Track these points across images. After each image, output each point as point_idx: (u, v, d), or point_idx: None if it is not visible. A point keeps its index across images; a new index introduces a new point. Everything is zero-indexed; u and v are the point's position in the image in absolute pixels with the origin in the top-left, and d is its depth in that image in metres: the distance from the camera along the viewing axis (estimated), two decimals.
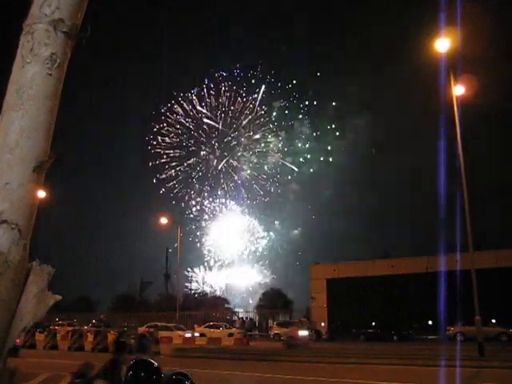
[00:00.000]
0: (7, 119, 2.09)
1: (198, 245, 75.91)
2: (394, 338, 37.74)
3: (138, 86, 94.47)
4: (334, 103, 74.21)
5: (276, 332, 42.42)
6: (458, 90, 22.08)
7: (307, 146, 75.25)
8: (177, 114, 75.03)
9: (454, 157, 22.33)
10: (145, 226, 78.98)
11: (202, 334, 38.22)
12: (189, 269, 74.94)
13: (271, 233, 75.79)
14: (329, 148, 74.18)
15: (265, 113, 74.48)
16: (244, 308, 63.80)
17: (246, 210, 75.76)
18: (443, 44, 21.04)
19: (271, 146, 74.77)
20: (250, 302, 70.68)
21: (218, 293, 75.18)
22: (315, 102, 74.59)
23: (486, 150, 61.63)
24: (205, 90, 74.99)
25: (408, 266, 46.38)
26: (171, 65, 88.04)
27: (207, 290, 75.62)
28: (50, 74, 2.14)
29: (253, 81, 74.70)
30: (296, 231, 75.07)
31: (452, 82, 21.72)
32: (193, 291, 74.39)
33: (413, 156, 68.43)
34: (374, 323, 41.31)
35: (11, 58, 2.18)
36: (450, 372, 15.54)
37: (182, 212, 75.19)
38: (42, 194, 2.29)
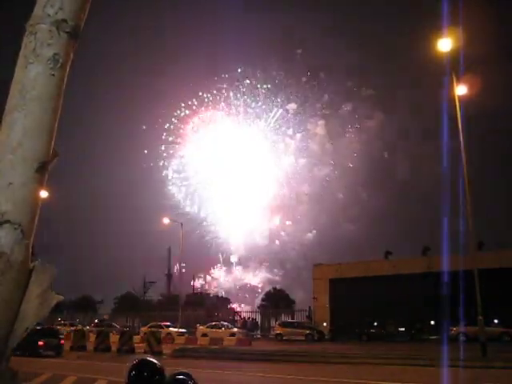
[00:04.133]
0: (10, 119, 2.10)
1: (206, 243, 75.88)
2: (397, 338, 37.69)
3: (138, 86, 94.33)
4: (342, 105, 74.18)
5: (278, 332, 42.45)
6: (461, 89, 22.06)
7: (321, 148, 75.46)
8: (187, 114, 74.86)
9: (457, 156, 22.32)
10: (147, 225, 79.05)
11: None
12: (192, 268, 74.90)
13: (282, 233, 75.65)
14: (341, 150, 74.33)
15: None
16: (250, 307, 63.88)
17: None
18: (445, 44, 21.02)
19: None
20: (256, 301, 70.68)
21: (222, 292, 75.23)
22: (327, 103, 74.76)
23: (489, 150, 61.53)
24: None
25: (410, 266, 46.34)
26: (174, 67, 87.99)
27: (211, 289, 75.63)
28: (53, 75, 2.14)
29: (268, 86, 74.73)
30: (310, 234, 74.85)
31: (454, 82, 21.69)
32: (196, 291, 74.32)
33: (415, 156, 68.38)
34: (376, 323, 41.27)
35: (14, 59, 2.18)
36: (453, 372, 15.52)
37: (184, 212, 75.10)
38: (44, 194, 2.29)
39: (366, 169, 70.76)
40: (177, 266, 72.57)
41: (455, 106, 21.70)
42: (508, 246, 42.29)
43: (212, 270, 76.52)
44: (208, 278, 76.69)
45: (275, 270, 75.93)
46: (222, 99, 75.34)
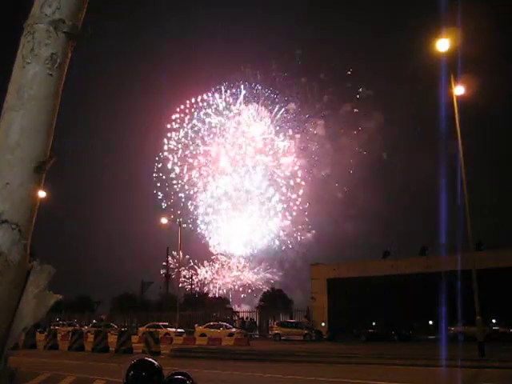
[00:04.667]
0: (8, 119, 2.09)
1: (204, 242, 75.84)
2: (395, 338, 37.74)
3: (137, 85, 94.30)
4: (342, 106, 74.28)
5: (276, 332, 42.45)
6: (459, 90, 22.10)
7: (320, 148, 75.54)
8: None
9: (455, 156, 22.37)
10: (146, 226, 79.00)
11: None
12: (191, 266, 74.85)
13: (282, 233, 75.57)
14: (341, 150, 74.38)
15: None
16: (248, 307, 63.80)
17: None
18: (443, 44, 21.06)
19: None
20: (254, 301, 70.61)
21: (221, 292, 75.16)
22: (327, 104, 74.96)
23: (487, 150, 61.64)
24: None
25: (408, 265, 46.40)
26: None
27: (209, 289, 75.54)
28: (51, 75, 2.14)
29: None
30: (309, 234, 74.78)
31: (452, 83, 21.73)
32: (194, 291, 74.21)
33: (414, 156, 68.45)
34: (374, 323, 41.32)
35: (12, 59, 2.18)
36: (451, 372, 15.55)
37: (184, 211, 75.10)
38: (42, 194, 2.29)
39: (365, 169, 70.91)
40: (172, 262, 72.59)
41: (453, 106, 21.75)
42: (506, 246, 42.37)
43: (210, 270, 76.46)
44: (206, 277, 76.59)
45: (274, 270, 75.95)
46: (222, 100, 75.46)
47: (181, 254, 58.85)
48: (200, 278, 76.37)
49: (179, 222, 50.67)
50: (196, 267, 75.45)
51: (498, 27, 56.72)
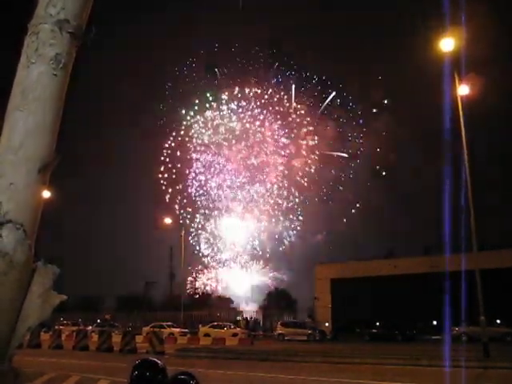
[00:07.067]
0: (12, 120, 2.09)
1: (206, 241, 75.78)
2: (399, 338, 37.63)
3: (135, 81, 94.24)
4: (347, 107, 74.08)
5: (280, 332, 42.39)
6: (463, 89, 22.03)
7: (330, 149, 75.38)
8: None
9: (458, 156, 22.30)
10: (149, 225, 79.00)
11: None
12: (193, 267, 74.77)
13: (291, 233, 75.37)
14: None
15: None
16: (253, 307, 63.72)
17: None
18: (447, 44, 21.00)
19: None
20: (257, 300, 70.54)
21: (223, 292, 75.04)
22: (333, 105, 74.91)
23: (490, 150, 61.44)
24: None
25: (411, 266, 46.30)
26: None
27: (213, 289, 75.44)
28: (55, 75, 2.14)
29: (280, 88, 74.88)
30: (317, 235, 74.61)
31: (456, 82, 21.67)
32: (198, 291, 74.20)
33: (417, 156, 68.32)
34: (378, 323, 41.21)
35: (16, 59, 2.18)
36: (455, 373, 15.50)
37: (187, 211, 75.06)
38: (46, 194, 2.29)
39: (369, 169, 70.85)
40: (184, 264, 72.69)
41: (457, 105, 21.68)
42: (511, 245, 42.20)
43: (215, 270, 76.37)
44: (211, 277, 76.51)
45: (281, 270, 75.75)
46: (231, 101, 75.48)
47: (184, 266, 58.73)
48: (205, 278, 76.28)
49: (182, 226, 50.89)
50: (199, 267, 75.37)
51: (503, 26, 56.51)
